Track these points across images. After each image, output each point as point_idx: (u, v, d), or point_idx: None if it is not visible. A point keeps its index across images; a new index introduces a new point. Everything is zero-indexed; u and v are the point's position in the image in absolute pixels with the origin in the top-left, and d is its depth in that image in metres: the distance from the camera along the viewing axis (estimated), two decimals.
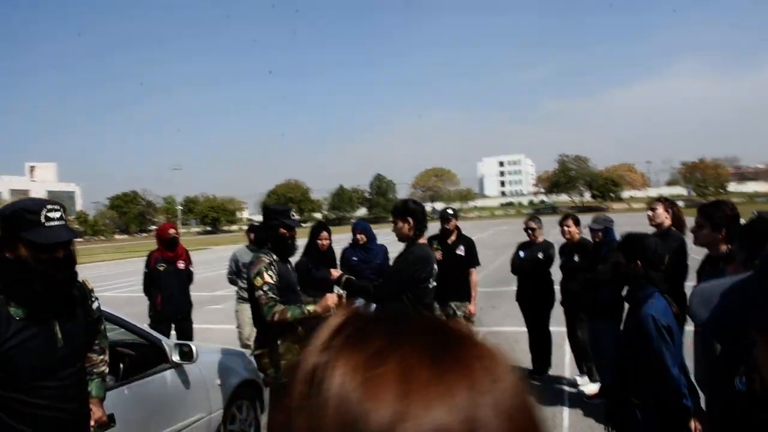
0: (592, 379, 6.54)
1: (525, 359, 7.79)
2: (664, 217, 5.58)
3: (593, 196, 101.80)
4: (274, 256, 4.39)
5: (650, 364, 3.05)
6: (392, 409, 0.43)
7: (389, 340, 0.47)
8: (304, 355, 0.51)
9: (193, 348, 4.43)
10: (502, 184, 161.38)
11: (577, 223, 6.89)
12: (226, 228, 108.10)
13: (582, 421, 5.72)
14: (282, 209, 4.54)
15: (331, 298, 4.30)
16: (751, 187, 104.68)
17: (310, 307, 4.24)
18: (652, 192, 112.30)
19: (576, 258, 6.65)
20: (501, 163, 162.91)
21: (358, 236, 7.14)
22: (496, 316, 10.17)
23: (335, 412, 0.44)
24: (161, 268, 7.22)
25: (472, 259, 6.93)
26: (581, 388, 6.54)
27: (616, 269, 3.42)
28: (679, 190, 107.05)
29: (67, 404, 2.62)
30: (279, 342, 4.32)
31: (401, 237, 4.39)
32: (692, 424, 3.04)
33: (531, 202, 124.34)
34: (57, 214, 2.41)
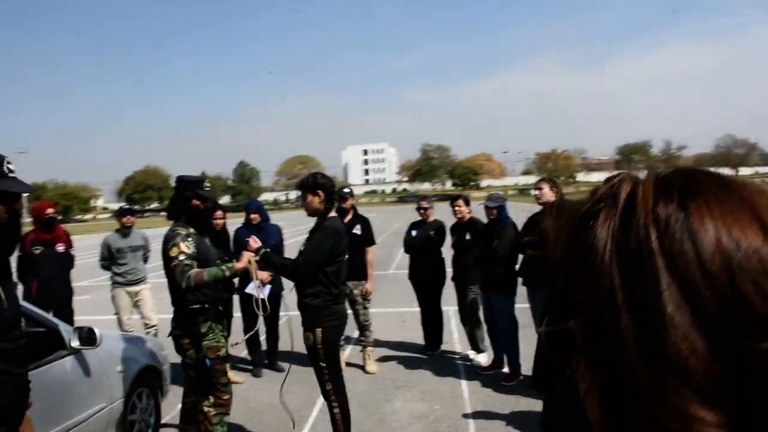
0: (483, 351, 6.81)
1: (416, 336, 7.99)
2: (550, 195, 5.89)
3: (454, 185, 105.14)
4: (191, 229, 4.20)
5: None
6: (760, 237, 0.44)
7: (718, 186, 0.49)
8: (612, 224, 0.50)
9: (96, 331, 4.11)
10: (367, 172, 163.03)
11: (467, 203, 7.13)
12: (78, 217, 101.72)
13: (481, 391, 5.93)
14: (195, 179, 4.32)
15: (247, 254, 4.17)
16: (596, 177, 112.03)
17: (229, 265, 4.08)
18: (509, 181, 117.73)
19: (468, 236, 6.87)
20: (365, 152, 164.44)
21: (252, 216, 7.01)
22: (381, 297, 10.32)
23: (705, 251, 0.44)
24: (37, 251, 6.72)
25: (368, 238, 6.98)
26: (475, 360, 6.79)
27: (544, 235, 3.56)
28: (534, 179, 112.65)
29: (18, 368, 2.43)
30: (200, 321, 4.15)
31: (312, 211, 4.34)
32: None
33: (394, 190, 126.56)
34: (13, 167, 2.24)
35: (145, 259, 7.84)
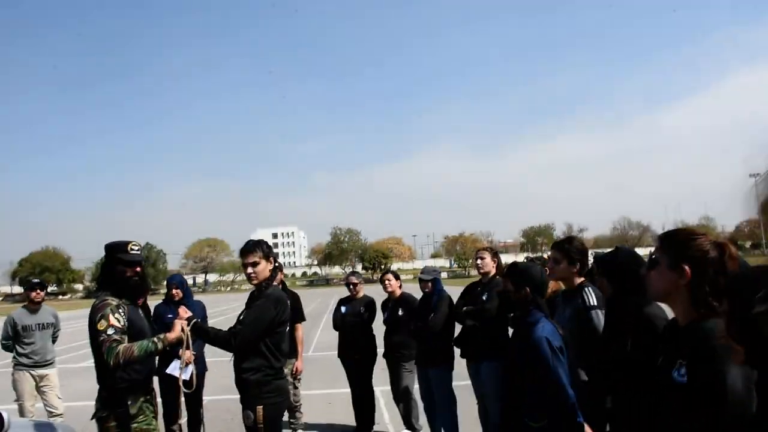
0: (419, 430, 6.59)
1: (344, 418, 7.69)
2: (492, 265, 5.90)
3: (364, 268, 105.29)
4: (123, 300, 3.87)
5: (545, 384, 3.15)
6: None
7: None
8: None
9: (4, 414, 3.65)
10: (277, 255, 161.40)
11: (397, 278, 7.05)
12: None
13: None
14: (118, 243, 3.96)
15: (180, 322, 3.88)
16: (503, 259, 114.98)
17: (161, 336, 3.74)
18: (419, 264, 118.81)
19: (400, 312, 6.76)
20: (275, 235, 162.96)
21: (174, 291, 6.68)
22: (305, 379, 9.90)
23: None
24: None
25: (297, 314, 6.75)
26: None
27: (506, 297, 3.50)
28: (442, 262, 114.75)
29: None
30: (129, 402, 3.77)
31: (262, 278, 4.10)
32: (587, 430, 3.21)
33: (305, 274, 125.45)
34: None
35: (54, 339, 7.28)
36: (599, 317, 3.89)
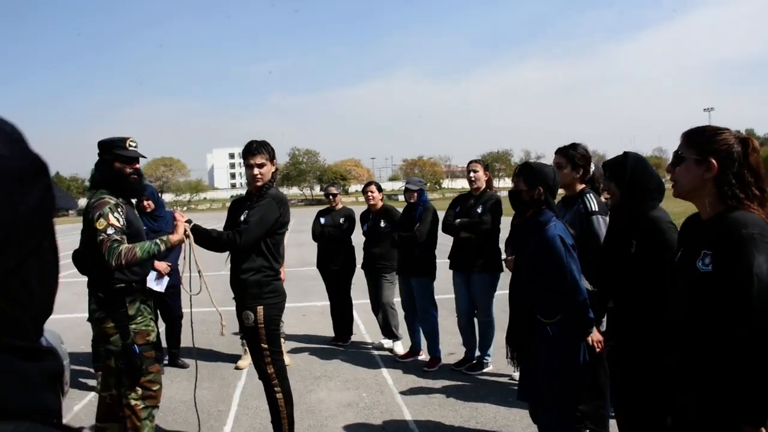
0: (399, 339, 6.67)
1: (320, 329, 7.75)
2: (484, 179, 5.87)
3: (322, 189, 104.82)
4: (119, 198, 3.69)
5: (559, 280, 3.16)
6: None
7: None
8: None
9: None
10: (233, 176, 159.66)
11: (380, 190, 6.99)
12: None
13: (404, 377, 5.78)
14: (115, 139, 3.73)
15: (182, 223, 3.70)
16: (459, 183, 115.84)
17: (163, 238, 3.59)
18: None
19: (382, 223, 6.72)
20: (231, 155, 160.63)
21: (145, 203, 6.48)
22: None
23: None
24: None
25: None
26: (394, 349, 6.62)
27: (518, 195, 3.45)
28: (400, 185, 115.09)
29: None
30: (128, 301, 3.67)
31: (266, 181, 3.97)
32: (594, 332, 3.26)
33: None
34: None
35: None
36: (600, 222, 3.90)
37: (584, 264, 3.36)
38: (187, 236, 3.68)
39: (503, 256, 5.59)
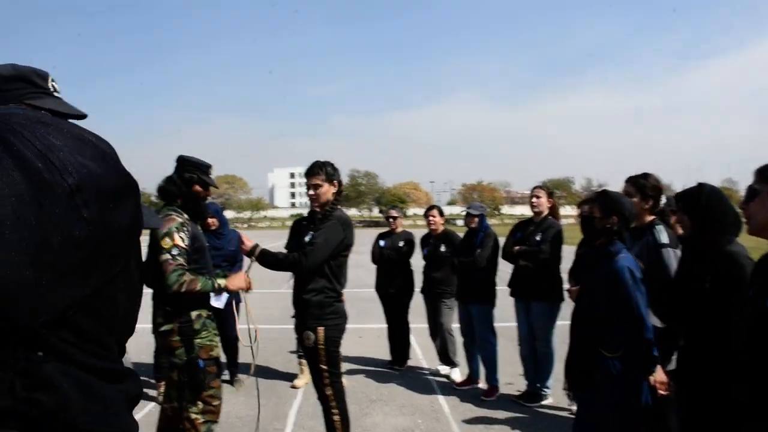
0: (456, 366, 6.59)
1: (376, 352, 7.72)
2: (546, 205, 5.78)
3: (381, 212, 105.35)
4: (186, 216, 3.81)
5: (625, 313, 3.07)
6: None
7: None
8: None
9: None
10: (293, 195, 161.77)
11: (441, 214, 6.96)
12: None
13: (461, 405, 5.69)
14: (202, 163, 3.89)
15: (242, 278, 3.83)
16: (518, 210, 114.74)
17: (221, 281, 3.70)
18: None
19: (443, 248, 6.68)
20: (292, 175, 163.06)
21: (210, 220, 6.60)
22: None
23: None
24: None
25: None
26: (451, 376, 6.55)
27: (590, 222, 3.39)
28: (459, 210, 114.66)
29: None
30: (194, 316, 3.73)
31: (323, 202, 4.01)
32: (659, 372, 3.15)
33: None
34: (58, 87, 1.79)
35: None
36: (670, 256, 3.77)
37: (652, 299, 3.26)
38: (248, 289, 3.81)
39: (566, 285, 5.48)
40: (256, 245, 3.93)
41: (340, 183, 4.04)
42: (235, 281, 3.77)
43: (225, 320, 6.37)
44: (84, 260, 0.57)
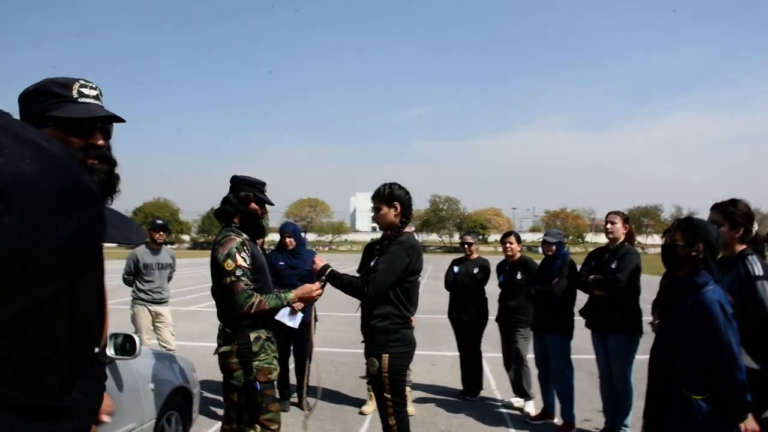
0: (531, 399, 6.32)
1: (448, 381, 7.53)
2: (622, 231, 5.50)
3: (461, 237, 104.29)
4: (245, 235, 3.80)
5: (714, 351, 2.80)
6: None
7: None
8: None
9: (137, 340, 3.62)
10: (374, 219, 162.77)
11: (519, 241, 6.75)
12: None
13: None
14: (256, 181, 3.91)
15: (309, 286, 3.80)
16: (603, 238, 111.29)
17: (290, 295, 3.68)
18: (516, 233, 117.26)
19: (519, 275, 6.46)
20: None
21: (287, 240, 6.63)
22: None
23: None
24: None
25: None
26: (525, 409, 6.28)
27: (673, 251, 3.13)
28: (541, 236, 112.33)
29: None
30: (252, 337, 3.69)
31: (386, 225, 3.92)
32: (750, 420, 2.85)
33: None
34: (93, 92, 1.72)
35: (169, 279, 7.44)
36: (765, 288, 3.45)
37: (745, 336, 2.98)
38: (312, 296, 3.82)
39: (649, 318, 5.16)
40: (327, 265, 3.88)
41: (404, 206, 3.91)
42: (301, 290, 3.74)
43: (298, 341, 6.35)
44: (4, 276, 0.47)
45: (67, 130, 1.57)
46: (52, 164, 0.52)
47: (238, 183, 3.87)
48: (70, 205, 0.52)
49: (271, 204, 3.95)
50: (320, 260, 3.94)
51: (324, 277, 3.84)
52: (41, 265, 0.49)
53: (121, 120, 1.69)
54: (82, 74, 1.72)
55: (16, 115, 1.45)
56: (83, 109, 1.63)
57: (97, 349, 0.59)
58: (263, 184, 3.92)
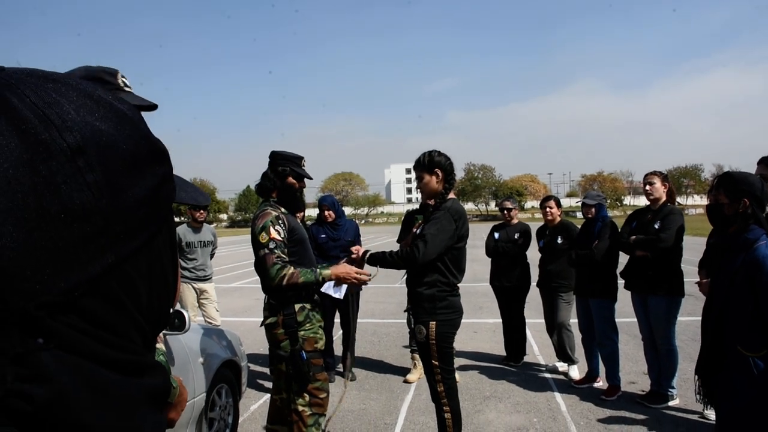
0: (575, 363, 6.30)
1: (491, 347, 7.55)
2: (662, 191, 5.40)
3: (497, 204, 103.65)
4: (282, 209, 3.83)
5: (765, 308, 2.72)
6: None
7: None
8: None
9: (186, 315, 3.69)
10: (409, 191, 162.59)
11: (558, 205, 6.68)
12: None
13: (579, 404, 5.41)
14: (293, 156, 3.91)
15: (347, 267, 3.78)
16: (643, 200, 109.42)
17: (326, 272, 3.65)
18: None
19: (559, 240, 6.41)
20: (408, 170, 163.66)
21: (326, 213, 6.65)
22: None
23: None
24: None
25: None
26: (569, 374, 6.26)
27: (719, 210, 3.06)
28: (578, 201, 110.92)
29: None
30: (297, 308, 3.73)
31: (429, 193, 3.90)
32: None
33: None
34: (128, 82, 1.80)
35: (211, 256, 7.54)
36: None
37: None
38: (349, 278, 3.71)
39: (694, 279, 5.09)
40: (366, 252, 3.90)
41: (445, 172, 3.89)
42: (340, 269, 3.72)
43: (344, 311, 6.41)
44: (89, 233, 0.49)
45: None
46: (124, 123, 0.53)
47: (276, 158, 3.89)
48: (144, 164, 0.53)
49: (310, 178, 3.95)
50: (358, 249, 3.94)
51: (368, 261, 3.86)
52: (121, 222, 0.51)
53: (155, 107, 1.76)
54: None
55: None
56: (133, 98, 1.72)
57: (171, 310, 0.61)
58: (301, 159, 3.93)
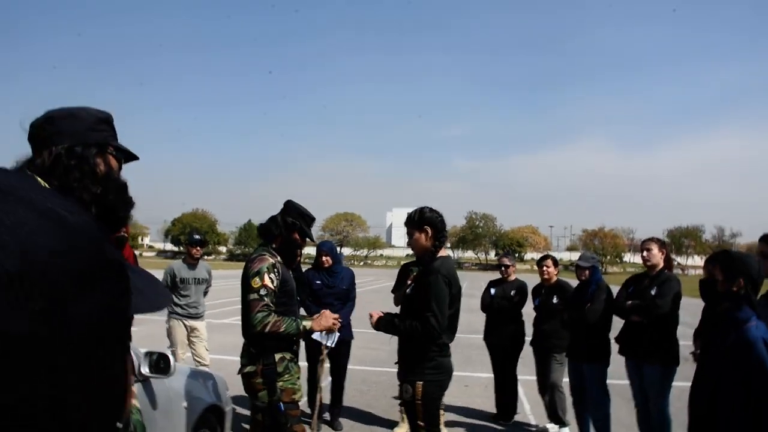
0: (566, 425, 6.20)
1: (481, 403, 7.45)
2: (659, 257, 5.38)
3: (497, 255, 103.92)
4: (279, 258, 3.83)
5: (758, 394, 2.68)
6: None
7: None
8: None
9: (171, 359, 3.67)
10: (408, 245, 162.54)
11: (556, 264, 6.67)
12: None
13: None
14: (307, 214, 3.97)
15: (330, 316, 3.81)
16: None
17: (307, 323, 3.72)
18: (554, 255, 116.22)
19: (555, 299, 6.37)
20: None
21: (323, 258, 6.62)
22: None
23: None
24: None
25: None
26: None
27: (711, 287, 3.04)
28: (578, 255, 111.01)
29: None
30: (277, 358, 3.70)
31: (419, 250, 3.91)
32: None
33: None
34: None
35: (205, 294, 7.50)
36: None
37: None
38: (334, 327, 3.89)
39: (686, 345, 5.03)
40: (380, 317, 3.92)
41: (436, 229, 3.87)
42: (322, 321, 3.75)
43: (334, 360, 6.34)
44: (19, 364, 0.45)
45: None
46: (77, 238, 0.49)
47: (290, 209, 3.95)
48: (96, 281, 0.50)
49: (312, 240, 4.04)
50: (376, 313, 3.96)
51: (382, 327, 3.89)
52: (63, 350, 0.47)
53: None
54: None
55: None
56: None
57: (119, 424, 0.56)
58: (313, 219, 4.00)
